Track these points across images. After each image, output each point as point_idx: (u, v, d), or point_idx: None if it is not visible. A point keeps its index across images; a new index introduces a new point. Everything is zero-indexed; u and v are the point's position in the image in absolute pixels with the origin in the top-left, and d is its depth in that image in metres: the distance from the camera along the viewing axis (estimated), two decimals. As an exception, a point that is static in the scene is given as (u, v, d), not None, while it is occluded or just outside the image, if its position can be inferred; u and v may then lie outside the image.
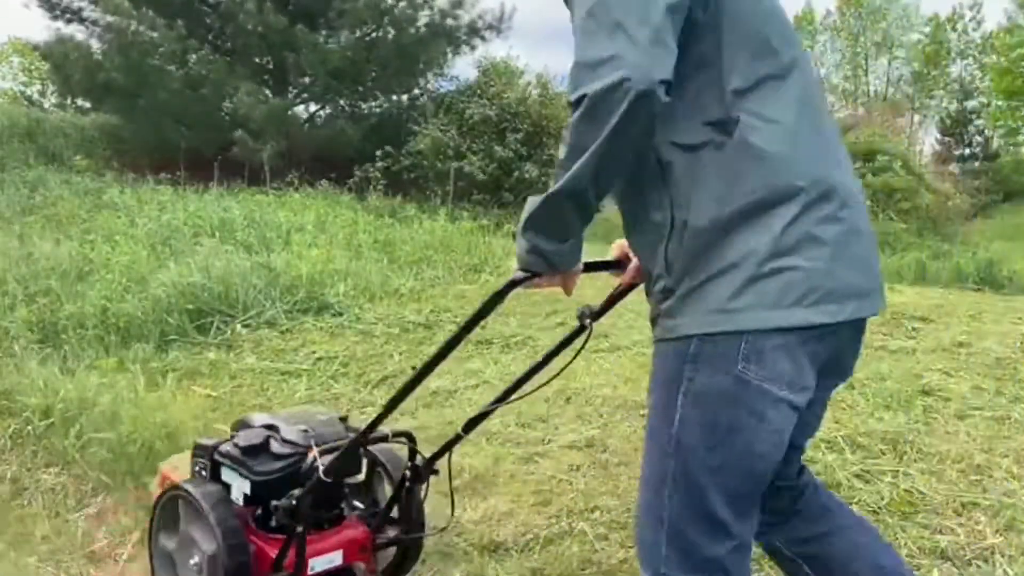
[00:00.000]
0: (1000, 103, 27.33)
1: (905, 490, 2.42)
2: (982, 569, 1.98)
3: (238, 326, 4.52)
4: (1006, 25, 28.02)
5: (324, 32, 14.12)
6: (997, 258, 9.02)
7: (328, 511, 1.78)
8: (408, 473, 1.80)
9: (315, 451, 1.67)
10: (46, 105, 23.20)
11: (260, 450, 1.71)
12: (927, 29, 32.91)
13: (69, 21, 14.14)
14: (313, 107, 15.49)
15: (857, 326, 1.16)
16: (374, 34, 14.13)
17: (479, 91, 12.88)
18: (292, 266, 5.36)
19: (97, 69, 13.26)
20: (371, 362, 3.97)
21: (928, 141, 28.87)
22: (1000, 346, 4.43)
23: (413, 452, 1.80)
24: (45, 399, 3.08)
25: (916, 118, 32.39)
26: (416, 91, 15.11)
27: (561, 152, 1.03)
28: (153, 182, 11.21)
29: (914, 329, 5.04)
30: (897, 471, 2.57)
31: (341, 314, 4.88)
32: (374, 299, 5.37)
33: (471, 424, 1.68)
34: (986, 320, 5.36)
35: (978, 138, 26.05)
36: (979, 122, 26.93)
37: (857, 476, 2.53)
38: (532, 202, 1.10)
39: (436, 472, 1.81)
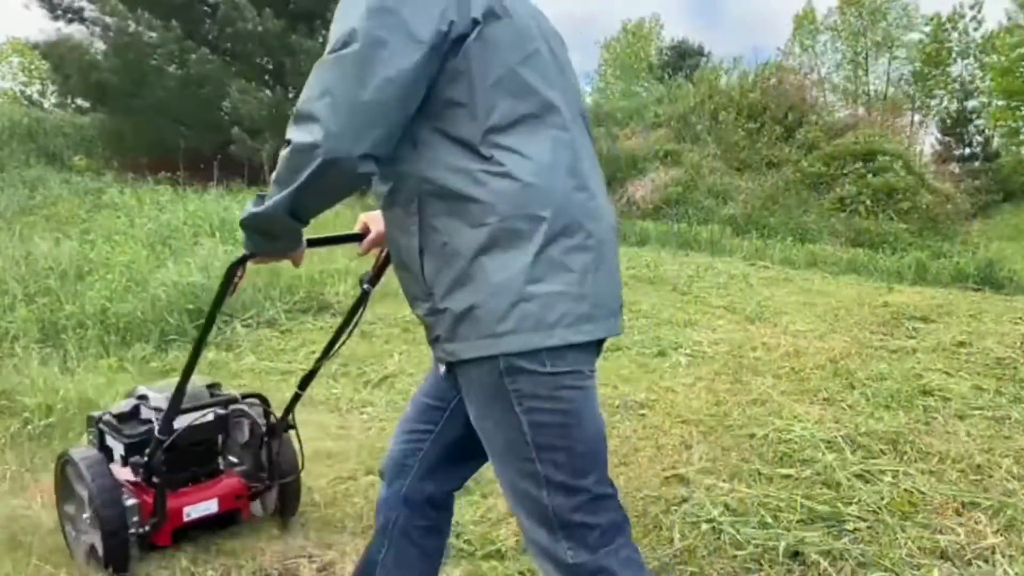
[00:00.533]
0: (1000, 103, 27.33)
1: (905, 490, 2.42)
2: (982, 569, 1.98)
3: (238, 326, 4.52)
4: (1006, 25, 28.03)
5: (323, 34, 14.11)
6: (997, 258, 9.03)
7: (200, 467, 2.10)
8: (265, 430, 2.13)
9: (155, 415, 1.97)
10: (46, 105, 23.21)
11: (130, 417, 2.03)
12: (927, 28, 32.89)
13: (70, 21, 14.14)
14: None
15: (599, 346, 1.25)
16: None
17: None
18: (292, 266, 5.35)
19: (93, 69, 13.26)
20: (371, 362, 3.97)
21: (928, 141, 28.87)
22: (1000, 346, 4.43)
23: (267, 412, 2.15)
24: (45, 399, 3.09)
25: (916, 118, 32.38)
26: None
27: (273, 174, 1.14)
28: (152, 182, 11.21)
29: (914, 329, 5.05)
30: (897, 471, 2.57)
31: (341, 314, 4.89)
32: (374, 299, 5.37)
33: (305, 382, 2.04)
34: (986, 320, 5.36)
35: (978, 138, 26.06)
36: (979, 122, 26.93)
37: (857, 476, 2.53)
38: (249, 203, 1.20)
39: (291, 427, 2.14)
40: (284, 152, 1.10)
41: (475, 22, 1.11)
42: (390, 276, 1.52)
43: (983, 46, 30.95)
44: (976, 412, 3.23)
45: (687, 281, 7.05)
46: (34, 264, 5.23)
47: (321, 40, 13.96)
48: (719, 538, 2.15)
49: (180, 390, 1.84)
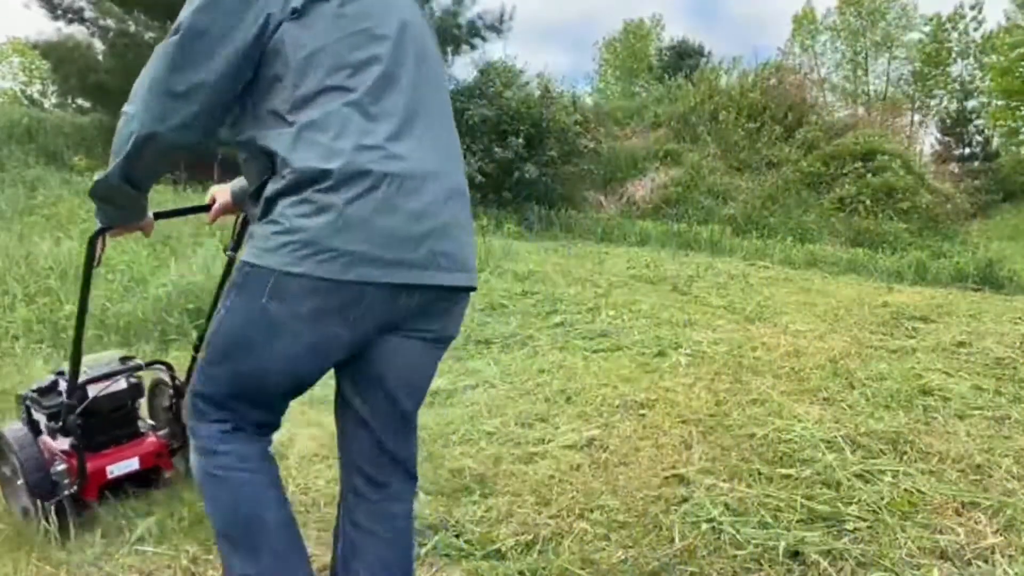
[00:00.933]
0: (1000, 103, 27.32)
1: (905, 490, 2.42)
2: (982, 569, 1.98)
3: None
4: (1005, 25, 28.02)
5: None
6: (997, 258, 9.03)
7: (120, 430, 2.34)
8: (173, 392, 2.41)
9: (62, 382, 2.22)
10: (46, 105, 23.20)
11: (49, 390, 2.25)
12: (927, 29, 32.88)
13: (70, 21, 14.12)
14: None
15: (410, 292, 1.34)
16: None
17: (479, 91, 12.87)
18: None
19: (92, 70, 13.26)
20: (371, 362, 3.97)
21: (928, 141, 28.87)
22: (1000, 346, 4.43)
23: (172, 377, 2.44)
24: (45, 399, 3.08)
25: (916, 118, 32.38)
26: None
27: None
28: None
29: (914, 329, 5.05)
30: (897, 471, 2.57)
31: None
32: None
33: (198, 346, 2.21)
34: (986, 320, 5.36)
35: (978, 138, 26.05)
36: (979, 122, 26.92)
37: (857, 476, 2.53)
38: (97, 176, 1.40)
39: None
40: (119, 123, 1.30)
41: (294, 11, 1.28)
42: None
43: (983, 46, 30.94)
44: (976, 412, 3.23)
45: (687, 281, 7.05)
46: (34, 264, 5.23)
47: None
48: (719, 538, 2.15)
49: (75, 359, 2.12)
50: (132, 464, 2.30)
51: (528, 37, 58.15)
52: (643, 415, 3.21)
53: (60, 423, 2.17)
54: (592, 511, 2.32)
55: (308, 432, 2.93)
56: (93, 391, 2.22)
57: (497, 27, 14.39)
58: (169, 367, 2.47)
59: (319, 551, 2.08)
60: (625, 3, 63.51)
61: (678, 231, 11.28)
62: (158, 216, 1.65)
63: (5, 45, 30.51)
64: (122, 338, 4.17)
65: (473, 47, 14.52)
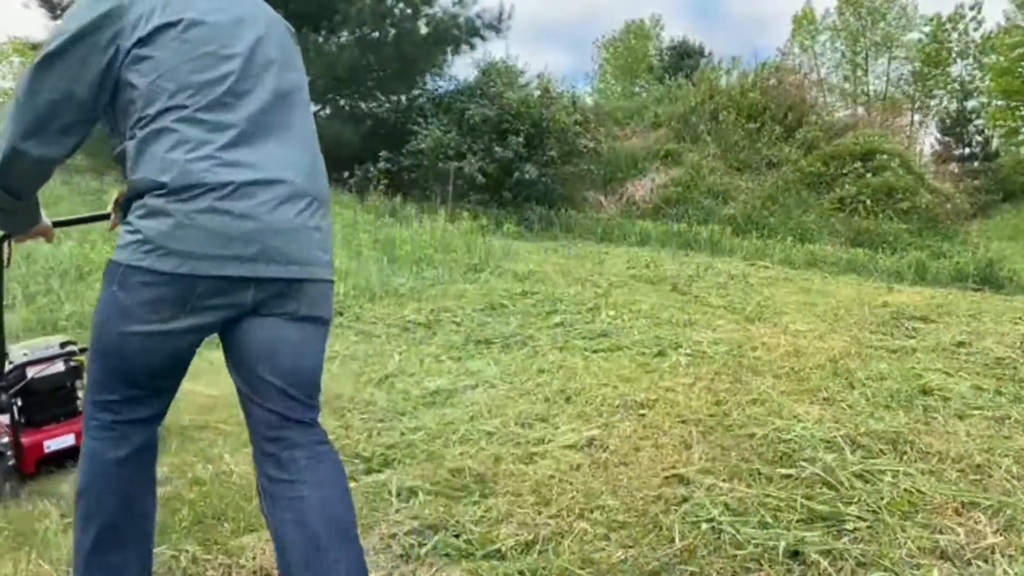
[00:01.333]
0: (1000, 103, 27.32)
1: (905, 490, 2.42)
2: (982, 569, 1.98)
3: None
4: (1005, 26, 28.01)
5: (322, 34, 14.10)
6: (997, 258, 9.03)
7: (59, 408, 2.57)
8: None
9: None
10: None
11: None
12: (927, 29, 32.88)
13: (69, 21, 14.11)
14: (313, 107, 15.44)
15: (245, 283, 1.50)
16: (374, 35, 14.11)
17: (479, 91, 12.87)
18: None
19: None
20: (371, 362, 3.97)
21: (928, 141, 28.86)
22: (1000, 346, 4.44)
23: None
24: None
25: (916, 117, 32.38)
26: (416, 92, 15.08)
27: None
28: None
29: (914, 329, 5.05)
30: (897, 471, 2.57)
31: (341, 313, 4.89)
32: (374, 299, 5.37)
33: None
34: (986, 320, 5.36)
35: (978, 138, 26.04)
36: (979, 122, 26.92)
37: (857, 476, 2.53)
38: None
39: None
40: None
41: (139, 40, 1.44)
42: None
43: (983, 46, 30.94)
44: (976, 412, 3.23)
45: (687, 281, 7.05)
46: (34, 264, 5.23)
47: (321, 40, 13.98)
48: (719, 538, 2.15)
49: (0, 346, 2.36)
50: (68, 440, 2.54)
51: (527, 36, 58.29)
52: (643, 415, 3.21)
53: None
54: (592, 511, 2.32)
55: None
56: (31, 372, 2.48)
57: (496, 26, 14.38)
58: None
59: (319, 551, 2.08)
60: (624, 3, 63.47)
61: (678, 231, 11.28)
62: (58, 224, 1.82)
63: (6, 45, 30.48)
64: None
65: (472, 47, 14.51)
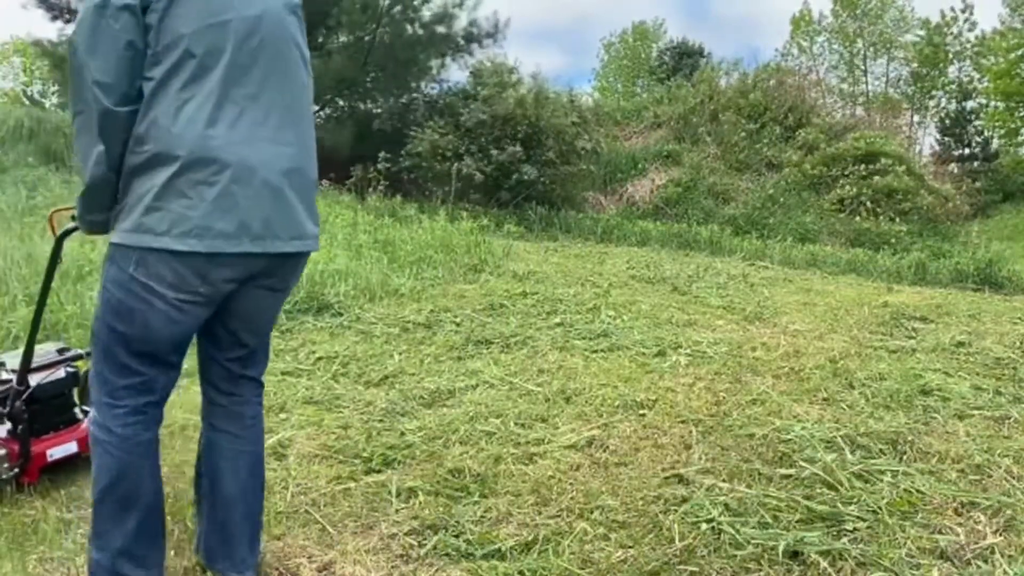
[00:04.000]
0: (999, 104, 27.30)
1: (905, 490, 2.42)
2: (982, 569, 1.99)
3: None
4: (999, 28, 28.01)
5: (323, 34, 14.09)
6: (997, 258, 9.03)
7: (60, 416, 2.50)
8: None
9: (11, 375, 2.36)
10: (47, 105, 23.18)
11: None
12: (922, 32, 32.86)
13: (68, 21, 14.11)
14: (313, 107, 15.40)
15: (254, 258, 1.63)
16: (371, 37, 14.10)
17: (473, 94, 12.84)
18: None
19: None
20: (371, 362, 3.97)
21: (928, 141, 28.84)
22: (1000, 346, 4.44)
23: None
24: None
25: (915, 118, 32.36)
26: (414, 94, 15.06)
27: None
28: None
29: (914, 329, 5.05)
30: (897, 471, 2.57)
31: (341, 314, 4.89)
32: (374, 299, 5.37)
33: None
34: (986, 320, 5.37)
35: (977, 139, 26.01)
36: (979, 123, 26.89)
37: (857, 476, 2.54)
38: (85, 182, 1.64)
39: None
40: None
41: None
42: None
43: (978, 47, 30.93)
44: (976, 412, 3.23)
45: (687, 281, 7.05)
46: (35, 264, 5.23)
47: (321, 39, 13.99)
48: (719, 538, 2.15)
49: (28, 348, 2.29)
50: (71, 448, 2.47)
51: (522, 40, 58.41)
52: (643, 415, 3.22)
53: (6, 407, 2.33)
54: (592, 511, 2.32)
55: (308, 432, 2.93)
56: (35, 380, 2.39)
57: (494, 34, 14.39)
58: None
59: (319, 551, 2.08)
60: (618, 6, 63.42)
61: (678, 231, 11.28)
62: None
63: (7, 45, 30.50)
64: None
65: (471, 55, 14.51)
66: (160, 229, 1.51)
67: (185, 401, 2.99)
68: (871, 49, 34.47)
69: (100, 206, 1.62)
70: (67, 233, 1.99)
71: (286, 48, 1.69)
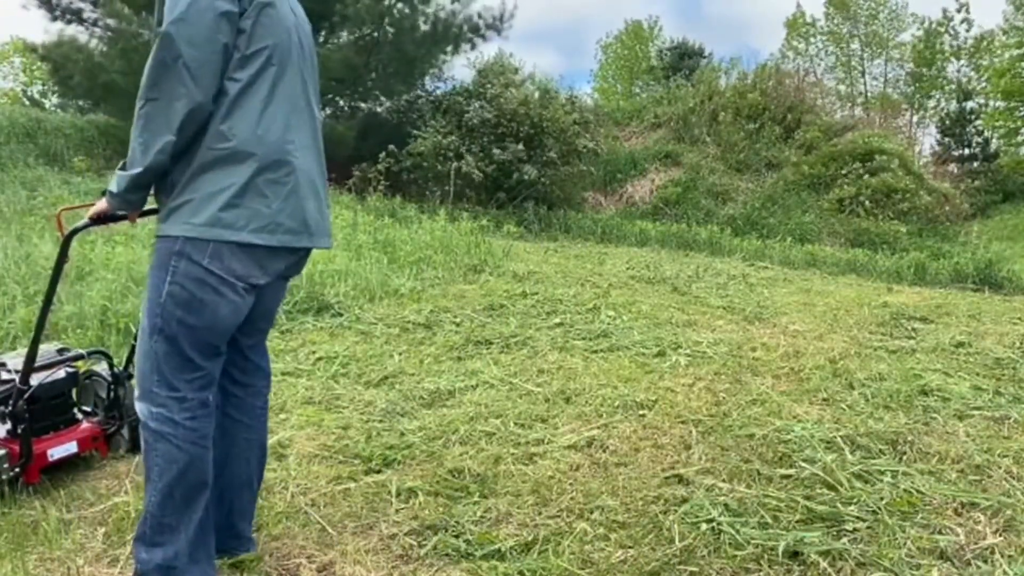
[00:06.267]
0: (999, 104, 27.31)
1: (905, 490, 2.42)
2: (982, 569, 1.99)
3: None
4: (1003, 26, 28.01)
5: (324, 33, 14.09)
6: (996, 258, 9.03)
7: (59, 417, 2.52)
8: (111, 380, 2.66)
9: (14, 375, 2.37)
10: (47, 105, 23.18)
11: None
12: (919, 32, 32.87)
13: (69, 22, 14.09)
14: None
15: (296, 252, 1.81)
16: (374, 35, 14.09)
17: (478, 92, 12.84)
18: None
19: (99, 71, 13.21)
20: (371, 362, 3.97)
21: (927, 142, 28.83)
22: (999, 346, 4.44)
23: (111, 365, 2.70)
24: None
25: (915, 118, 32.36)
26: (416, 92, 15.05)
27: None
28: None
29: (914, 329, 5.05)
30: (897, 471, 2.57)
31: (341, 314, 4.89)
32: (374, 299, 5.37)
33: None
34: (985, 320, 5.37)
35: (977, 138, 26.03)
36: (978, 123, 26.90)
37: (857, 476, 2.54)
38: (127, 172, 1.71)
39: (131, 376, 2.55)
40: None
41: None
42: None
43: (976, 47, 30.93)
44: (975, 412, 3.23)
45: (687, 281, 7.05)
46: (34, 264, 5.23)
47: (321, 40, 13.98)
48: (719, 538, 2.15)
49: (33, 348, 2.28)
50: (71, 448, 2.49)
51: (520, 40, 58.57)
52: (643, 415, 3.22)
53: (8, 407, 2.33)
54: (592, 511, 2.32)
55: (308, 432, 2.93)
56: (35, 380, 2.39)
57: (497, 26, 14.36)
58: (107, 355, 2.74)
59: (319, 551, 2.08)
60: (615, 6, 63.43)
61: (678, 231, 11.28)
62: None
63: (7, 45, 30.49)
64: (122, 338, 4.16)
65: (473, 45, 14.46)
66: (239, 224, 1.62)
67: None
68: (867, 50, 34.47)
69: (145, 187, 1.70)
70: (75, 232, 2.02)
71: (314, 56, 1.86)
